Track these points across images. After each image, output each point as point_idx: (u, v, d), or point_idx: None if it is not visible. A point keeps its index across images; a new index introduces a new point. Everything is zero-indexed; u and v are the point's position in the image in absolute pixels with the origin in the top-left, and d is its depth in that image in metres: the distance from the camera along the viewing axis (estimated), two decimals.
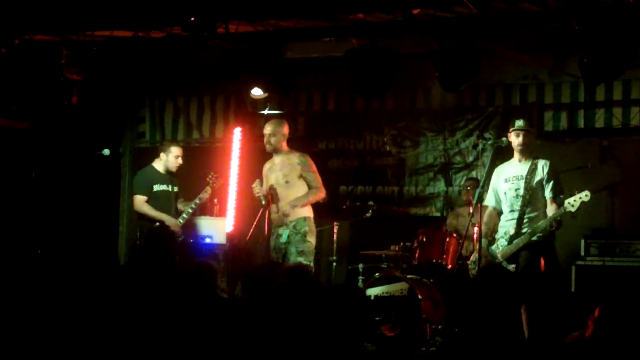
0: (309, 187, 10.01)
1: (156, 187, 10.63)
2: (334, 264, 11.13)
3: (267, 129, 10.16)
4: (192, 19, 9.55)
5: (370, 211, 11.16)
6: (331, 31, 10.27)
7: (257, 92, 11.38)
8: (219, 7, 9.70)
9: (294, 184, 9.95)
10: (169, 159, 10.66)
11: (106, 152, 10.63)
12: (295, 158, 10.10)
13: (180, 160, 10.73)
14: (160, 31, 10.38)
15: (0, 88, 11.24)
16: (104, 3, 10.02)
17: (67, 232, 12.34)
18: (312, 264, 9.78)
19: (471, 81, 9.74)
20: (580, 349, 5.23)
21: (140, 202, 10.59)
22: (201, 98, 13.66)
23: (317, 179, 10.09)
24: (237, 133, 12.71)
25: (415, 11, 9.32)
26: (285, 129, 10.22)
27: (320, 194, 10.10)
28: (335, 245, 11.19)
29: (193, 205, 10.54)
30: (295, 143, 12.90)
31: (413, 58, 10.90)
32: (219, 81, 12.58)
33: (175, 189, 10.73)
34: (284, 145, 10.21)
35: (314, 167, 10.15)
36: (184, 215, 10.56)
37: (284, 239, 9.80)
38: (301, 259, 9.58)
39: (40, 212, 12.56)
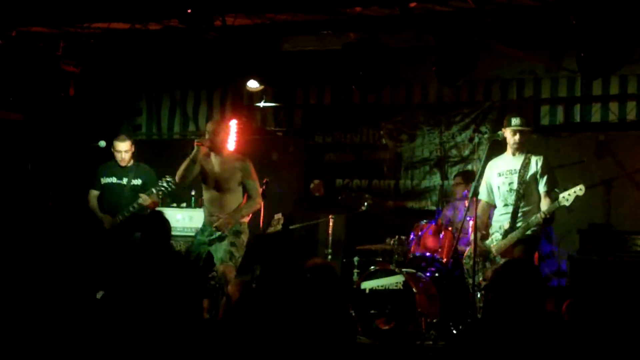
0: (248, 195, 9.61)
1: (104, 180, 10.50)
2: (329, 257, 11.13)
3: (209, 127, 9.67)
4: (190, 11, 9.53)
5: (365, 204, 11.16)
6: (328, 25, 10.26)
7: (253, 85, 11.36)
8: None
9: (234, 189, 9.56)
10: (115, 154, 10.53)
11: (102, 144, 10.58)
12: (237, 163, 9.62)
13: (123, 155, 10.46)
14: (158, 24, 10.38)
15: None
16: None
17: (64, 223, 12.33)
18: (239, 259, 9.53)
19: (468, 76, 9.76)
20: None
21: (90, 196, 10.54)
22: (198, 91, 13.67)
23: (256, 188, 9.68)
24: (233, 126, 12.70)
25: (413, 5, 9.31)
26: (228, 129, 10.00)
27: (257, 206, 9.71)
28: (330, 238, 11.20)
29: (134, 206, 10.31)
30: (292, 136, 12.98)
31: (410, 52, 10.92)
32: (215, 74, 12.60)
33: (135, 182, 10.44)
34: (226, 146, 9.78)
35: (254, 174, 9.69)
36: (125, 213, 10.41)
37: (215, 236, 9.52)
38: (233, 249, 9.39)
39: (36, 204, 12.55)
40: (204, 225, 9.65)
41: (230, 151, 9.95)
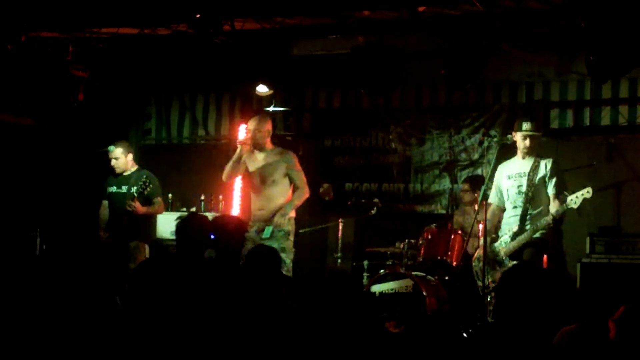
0: (295, 186, 9.85)
1: (109, 189, 10.48)
2: (339, 260, 11.14)
3: (252, 124, 9.93)
4: (198, 16, 9.55)
5: (375, 208, 11.16)
6: (337, 28, 10.27)
7: (262, 89, 11.36)
8: (225, 4, 9.71)
9: (279, 182, 9.78)
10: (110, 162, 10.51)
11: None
12: (280, 156, 9.89)
13: (114, 162, 10.41)
14: (166, 28, 10.39)
15: (7, 85, 11.25)
16: (110, 0, 10.03)
17: (73, 229, 12.35)
18: (290, 264, 9.64)
19: (477, 79, 9.75)
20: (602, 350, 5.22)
21: (102, 206, 10.54)
22: (207, 95, 13.68)
23: (302, 178, 9.92)
24: (243, 130, 12.70)
25: (422, 8, 9.31)
26: (269, 126, 10.06)
27: (305, 194, 9.93)
28: (340, 242, 11.19)
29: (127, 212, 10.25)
30: (301, 140, 12.97)
31: (419, 56, 10.90)
32: (224, 78, 12.62)
33: (134, 189, 10.20)
34: (268, 142, 9.96)
35: (299, 166, 9.96)
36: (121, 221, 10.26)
37: (266, 234, 9.64)
38: (283, 255, 9.48)
39: (45, 209, 12.57)
40: (253, 221, 9.84)
41: (272, 146, 10.07)
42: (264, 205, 9.81)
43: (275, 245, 9.47)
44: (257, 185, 9.88)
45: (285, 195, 9.83)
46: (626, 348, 5.36)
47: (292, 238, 9.78)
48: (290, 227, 9.76)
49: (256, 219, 9.84)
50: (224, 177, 10.08)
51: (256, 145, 9.85)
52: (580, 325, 5.98)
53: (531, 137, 9.05)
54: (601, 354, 5.46)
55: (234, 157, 9.90)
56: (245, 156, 9.91)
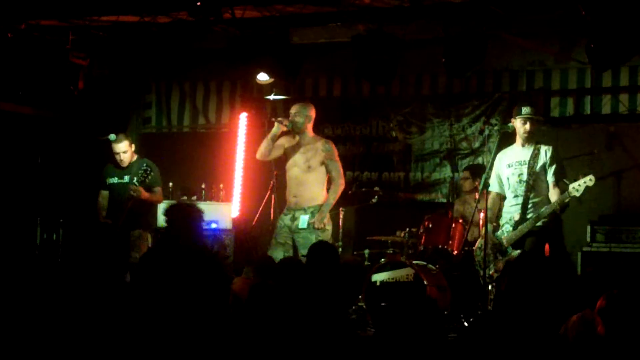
0: (330, 177, 10.06)
1: (109, 180, 10.43)
2: (340, 249, 11.11)
3: (293, 108, 10.21)
4: (199, 3, 9.53)
5: (376, 197, 11.15)
6: (337, 17, 10.27)
7: (263, 77, 11.37)
8: None
9: (315, 169, 10.00)
10: (115, 157, 10.40)
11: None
12: (319, 144, 10.11)
13: (120, 156, 10.34)
14: (167, 16, 10.38)
15: (7, 73, 11.23)
16: None
17: (73, 217, 12.35)
18: None
19: (477, 67, 9.74)
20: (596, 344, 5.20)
21: (100, 196, 10.47)
22: (207, 83, 13.66)
23: (338, 169, 10.15)
24: (243, 118, 12.72)
25: None
26: (312, 112, 10.25)
27: (341, 187, 10.16)
28: (340, 230, 11.15)
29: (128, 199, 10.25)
30: None
31: (419, 44, 10.89)
32: (225, 66, 12.60)
33: (135, 179, 10.10)
34: (309, 128, 10.21)
35: (337, 156, 10.20)
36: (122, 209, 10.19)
37: (302, 225, 9.84)
38: None
39: (45, 197, 12.56)
40: (287, 209, 10.11)
41: (313, 134, 10.30)
42: (298, 191, 10.02)
43: (312, 237, 9.67)
44: (293, 170, 10.08)
45: (321, 183, 10.06)
46: (617, 338, 5.34)
47: (329, 227, 10.04)
48: (327, 218, 9.98)
49: (290, 206, 10.07)
50: (258, 154, 10.30)
51: (295, 129, 10.08)
52: (583, 315, 5.98)
53: (531, 121, 9.02)
54: (602, 345, 5.45)
55: (269, 135, 10.10)
56: (285, 140, 10.14)
